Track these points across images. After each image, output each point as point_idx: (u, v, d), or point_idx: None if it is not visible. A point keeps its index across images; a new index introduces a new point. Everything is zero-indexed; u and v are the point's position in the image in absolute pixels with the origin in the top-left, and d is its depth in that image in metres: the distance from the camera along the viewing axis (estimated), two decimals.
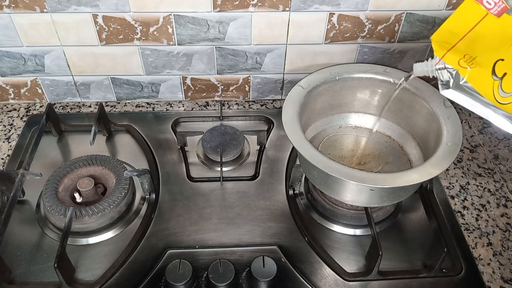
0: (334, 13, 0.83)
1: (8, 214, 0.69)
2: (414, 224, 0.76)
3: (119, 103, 0.98)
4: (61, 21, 0.82)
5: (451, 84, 0.59)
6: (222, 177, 0.81)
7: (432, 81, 0.74)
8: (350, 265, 0.70)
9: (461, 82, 0.58)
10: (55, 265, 0.62)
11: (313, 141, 0.81)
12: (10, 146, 0.87)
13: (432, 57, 0.61)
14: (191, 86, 0.95)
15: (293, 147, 0.85)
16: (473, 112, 0.60)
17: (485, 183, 0.82)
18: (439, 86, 0.61)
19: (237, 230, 0.73)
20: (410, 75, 0.67)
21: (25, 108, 0.96)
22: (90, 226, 0.72)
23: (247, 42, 0.87)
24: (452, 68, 0.59)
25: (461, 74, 0.58)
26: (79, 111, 0.96)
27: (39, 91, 0.95)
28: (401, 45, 0.89)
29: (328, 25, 0.85)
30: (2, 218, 0.68)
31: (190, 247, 0.71)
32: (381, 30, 0.86)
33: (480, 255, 0.71)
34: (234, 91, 0.97)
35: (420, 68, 0.64)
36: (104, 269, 0.68)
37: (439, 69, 0.60)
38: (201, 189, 0.80)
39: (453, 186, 0.82)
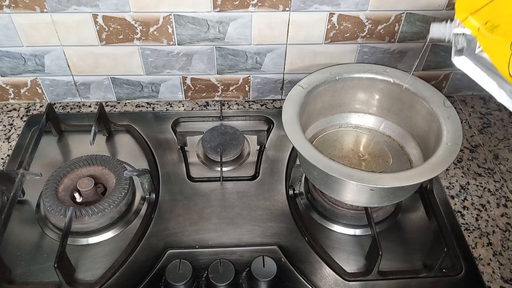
0: (334, 13, 0.83)
1: (8, 214, 0.69)
2: (414, 224, 0.76)
3: (119, 103, 0.98)
4: (61, 21, 0.82)
5: (464, 51, 0.57)
6: (222, 177, 0.81)
7: (432, 81, 0.74)
8: (350, 265, 0.70)
9: (476, 51, 0.56)
10: (55, 265, 0.62)
11: (312, 141, 0.81)
12: (10, 146, 0.87)
13: (452, 20, 0.58)
14: (191, 86, 0.95)
15: (293, 147, 0.85)
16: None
17: (485, 183, 0.82)
18: (452, 52, 0.58)
19: (237, 230, 0.73)
20: (427, 40, 0.63)
21: (25, 108, 0.96)
22: (90, 226, 0.72)
23: (247, 42, 0.87)
24: (470, 35, 0.55)
25: (478, 41, 0.55)
26: (79, 111, 0.96)
27: (39, 91, 0.95)
28: (401, 45, 0.89)
29: (328, 25, 0.85)
30: (2, 218, 0.68)
31: (190, 247, 0.71)
32: (381, 30, 0.86)
33: (480, 255, 0.71)
34: (234, 91, 0.97)
35: (437, 30, 0.59)
36: (104, 269, 0.68)
37: (457, 34, 0.57)
38: (201, 189, 0.80)
39: (453, 186, 0.82)
